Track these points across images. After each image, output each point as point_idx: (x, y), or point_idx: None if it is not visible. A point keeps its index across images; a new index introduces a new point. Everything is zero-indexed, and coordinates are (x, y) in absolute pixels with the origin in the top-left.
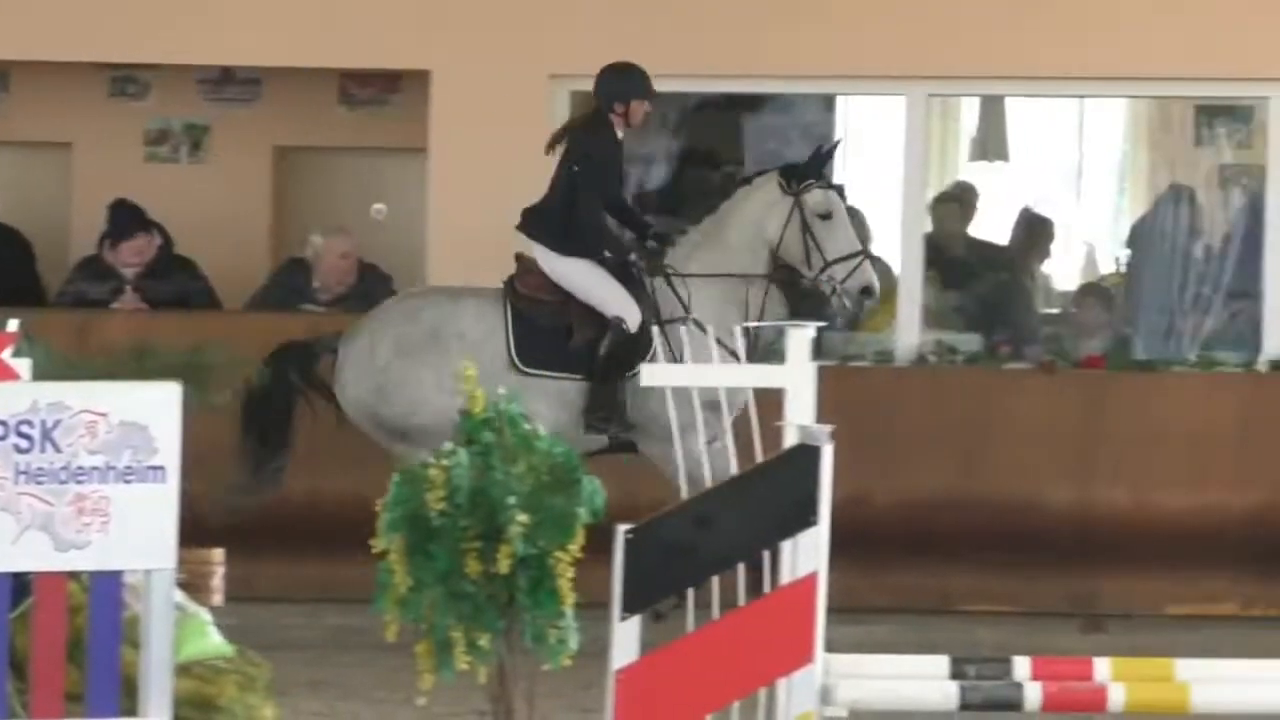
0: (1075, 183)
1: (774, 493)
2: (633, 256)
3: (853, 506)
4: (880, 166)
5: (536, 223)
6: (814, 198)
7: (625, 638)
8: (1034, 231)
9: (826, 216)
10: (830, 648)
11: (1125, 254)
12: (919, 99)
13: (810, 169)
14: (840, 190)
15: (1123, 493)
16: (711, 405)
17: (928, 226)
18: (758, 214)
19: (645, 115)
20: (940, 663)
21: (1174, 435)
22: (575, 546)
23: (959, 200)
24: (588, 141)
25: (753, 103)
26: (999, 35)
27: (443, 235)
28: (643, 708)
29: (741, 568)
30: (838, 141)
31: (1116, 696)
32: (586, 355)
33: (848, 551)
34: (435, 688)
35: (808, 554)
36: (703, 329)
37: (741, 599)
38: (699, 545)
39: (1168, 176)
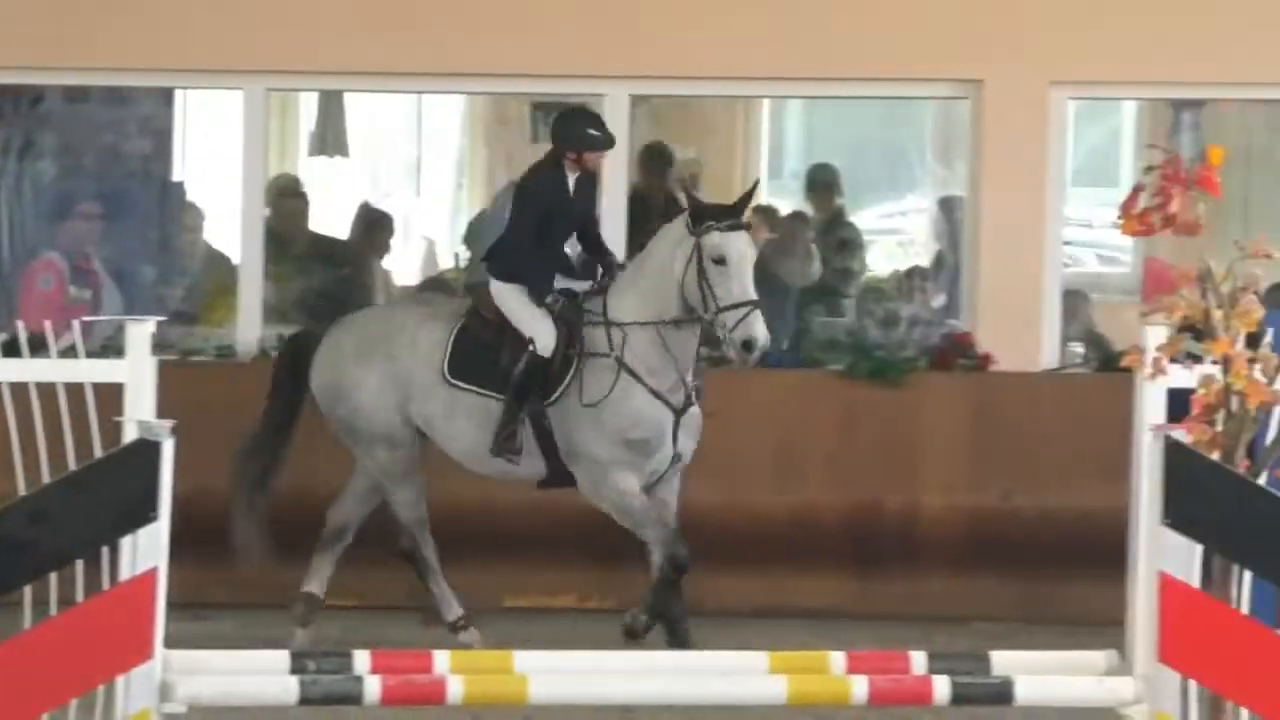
0: (415, 178)
1: (113, 488)
2: (549, 300)
3: (198, 501)
4: (220, 160)
5: (489, 253)
6: (710, 240)
7: None
8: (373, 226)
9: (720, 262)
10: (171, 644)
11: (464, 249)
12: (257, 93)
13: (715, 211)
14: (745, 231)
15: (460, 487)
16: (638, 445)
17: (267, 219)
18: (668, 254)
19: (599, 162)
20: (280, 657)
21: None
22: None
23: (297, 195)
24: (528, 177)
25: (91, 95)
26: (336, 34)
27: None
28: None
29: (81, 564)
30: (756, 183)
31: (455, 689)
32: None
33: (192, 547)
34: None
35: (148, 550)
36: (631, 372)
37: (81, 595)
38: (36, 541)
39: (505, 172)
